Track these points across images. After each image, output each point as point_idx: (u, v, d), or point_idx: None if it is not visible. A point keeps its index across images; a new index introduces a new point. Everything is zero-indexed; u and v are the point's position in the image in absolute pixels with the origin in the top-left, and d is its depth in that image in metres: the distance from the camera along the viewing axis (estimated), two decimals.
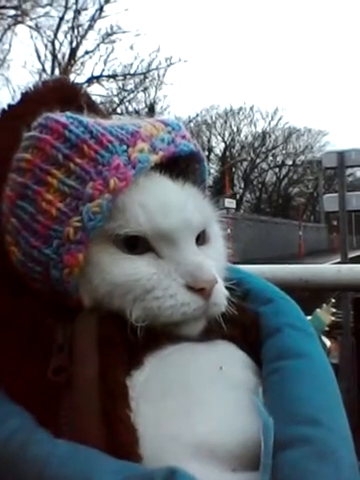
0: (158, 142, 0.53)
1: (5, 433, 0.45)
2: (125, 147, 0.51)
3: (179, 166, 0.57)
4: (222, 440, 0.45)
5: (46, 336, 0.49)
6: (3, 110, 0.64)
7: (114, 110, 21.99)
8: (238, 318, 0.55)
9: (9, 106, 0.65)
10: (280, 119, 36.09)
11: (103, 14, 21.28)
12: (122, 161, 0.50)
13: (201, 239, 0.56)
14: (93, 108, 0.60)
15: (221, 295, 0.53)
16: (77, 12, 20.97)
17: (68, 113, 0.53)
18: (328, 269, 1.49)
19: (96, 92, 20.22)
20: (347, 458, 0.45)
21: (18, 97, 0.64)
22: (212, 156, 33.74)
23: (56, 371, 0.47)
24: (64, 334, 0.49)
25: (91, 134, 0.51)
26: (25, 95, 0.64)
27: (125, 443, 0.43)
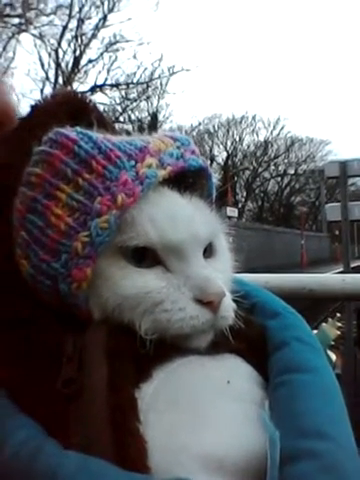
0: (166, 157, 0.53)
1: (15, 444, 0.45)
2: (133, 162, 0.51)
3: (187, 180, 0.57)
4: (229, 453, 0.45)
5: (56, 347, 0.49)
6: None
7: (117, 119, 22.13)
8: (245, 331, 0.55)
9: (18, 118, 0.66)
10: (282, 128, 36.31)
11: (106, 23, 21.53)
12: (130, 177, 0.50)
13: (208, 252, 0.56)
14: (102, 123, 0.61)
15: (229, 308, 0.53)
16: (81, 21, 21.19)
17: (78, 128, 0.53)
18: (332, 279, 1.50)
19: (99, 101, 20.31)
20: (354, 472, 0.45)
21: (22, 105, 0.65)
22: (214, 165, 33.82)
23: (65, 383, 0.47)
24: (74, 345, 0.49)
25: (100, 150, 0.51)
26: (34, 107, 0.65)
27: (134, 455, 0.43)
